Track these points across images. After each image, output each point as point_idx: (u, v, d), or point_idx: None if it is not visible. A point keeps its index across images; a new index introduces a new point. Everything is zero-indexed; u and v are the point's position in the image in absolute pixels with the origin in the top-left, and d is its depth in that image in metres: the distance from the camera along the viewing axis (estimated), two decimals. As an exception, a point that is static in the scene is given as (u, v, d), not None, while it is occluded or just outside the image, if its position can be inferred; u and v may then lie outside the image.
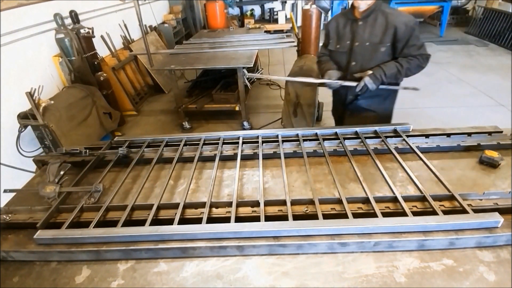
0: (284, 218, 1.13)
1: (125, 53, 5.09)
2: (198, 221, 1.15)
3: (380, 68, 1.83)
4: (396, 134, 1.68)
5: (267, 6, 9.81)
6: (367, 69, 1.91)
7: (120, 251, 1.09)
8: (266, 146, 1.66)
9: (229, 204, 1.22)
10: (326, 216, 1.13)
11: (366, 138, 1.62)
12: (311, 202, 1.20)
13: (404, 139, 1.59)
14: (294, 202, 1.21)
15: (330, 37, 2.02)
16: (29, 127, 3.13)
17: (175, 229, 1.11)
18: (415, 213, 1.11)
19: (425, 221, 1.05)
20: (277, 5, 9.65)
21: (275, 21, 9.23)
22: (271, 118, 4.29)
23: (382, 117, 2.18)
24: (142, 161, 1.63)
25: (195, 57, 4.18)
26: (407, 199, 1.18)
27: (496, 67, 5.73)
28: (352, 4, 1.89)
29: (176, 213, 1.18)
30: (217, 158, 1.54)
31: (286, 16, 9.11)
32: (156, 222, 1.19)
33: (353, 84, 1.91)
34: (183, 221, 1.18)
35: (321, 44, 2.22)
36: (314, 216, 1.13)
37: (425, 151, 1.52)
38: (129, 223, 1.18)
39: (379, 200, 1.19)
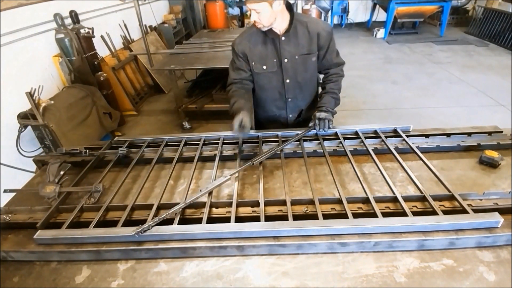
0: (284, 218, 1.13)
1: (125, 53, 5.09)
2: (198, 221, 1.15)
3: (323, 106, 1.72)
4: (396, 134, 1.68)
5: (267, 6, 9.81)
6: (303, 83, 1.83)
7: (120, 251, 1.09)
8: (266, 146, 1.65)
9: (229, 204, 1.22)
10: (326, 216, 1.13)
11: (366, 138, 1.62)
12: (311, 202, 1.20)
13: (404, 139, 1.59)
14: (294, 202, 1.21)
15: (251, 59, 1.74)
16: (29, 127, 3.12)
17: (175, 229, 1.11)
18: (415, 213, 1.11)
19: (425, 221, 1.05)
20: (277, 5, 9.66)
21: (275, 21, 9.23)
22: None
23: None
24: (142, 161, 1.63)
25: (195, 57, 4.18)
26: (407, 199, 1.18)
27: (496, 67, 5.73)
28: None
29: (176, 213, 1.18)
30: (217, 158, 1.54)
31: (286, 16, 9.11)
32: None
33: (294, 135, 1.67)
34: (183, 221, 1.18)
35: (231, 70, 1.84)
36: (314, 216, 1.13)
37: (425, 151, 1.52)
38: (129, 223, 1.18)
39: (379, 200, 1.19)
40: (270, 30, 1.66)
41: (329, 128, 1.68)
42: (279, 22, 1.64)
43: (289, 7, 1.66)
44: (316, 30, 1.68)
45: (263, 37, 1.71)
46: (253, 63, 1.75)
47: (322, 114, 1.66)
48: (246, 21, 9.15)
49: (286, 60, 1.72)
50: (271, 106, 1.92)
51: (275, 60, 1.73)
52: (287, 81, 1.79)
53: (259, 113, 2.03)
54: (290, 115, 1.94)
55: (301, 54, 1.71)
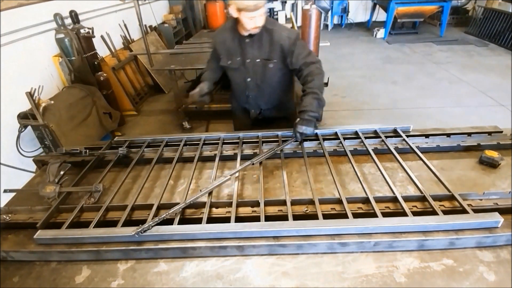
0: (284, 218, 1.13)
1: (125, 53, 5.09)
2: (198, 221, 1.15)
3: (305, 111, 1.61)
4: (396, 134, 1.68)
5: (267, 6, 9.80)
6: (263, 86, 1.89)
7: (120, 251, 1.09)
8: (266, 146, 1.65)
9: (229, 204, 1.23)
10: (326, 216, 1.13)
11: (366, 138, 1.62)
12: (311, 202, 1.20)
13: (404, 139, 1.59)
14: (294, 202, 1.21)
15: (219, 52, 1.91)
16: (29, 127, 3.12)
17: (175, 229, 1.12)
18: (415, 213, 1.11)
19: (425, 221, 1.05)
20: (277, 5, 9.65)
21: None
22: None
23: (290, 118, 2.12)
24: (142, 161, 1.63)
25: (195, 57, 4.17)
26: (407, 199, 1.18)
27: (496, 67, 5.72)
28: (238, 21, 1.72)
29: (176, 213, 1.18)
30: (217, 158, 1.54)
31: (286, 16, 9.11)
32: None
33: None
34: (183, 221, 1.18)
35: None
36: (314, 216, 1.13)
37: (425, 151, 1.52)
38: (129, 223, 1.18)
39: (379, 200, 1.19)
40: (238, 28, 1.76)
41: (306, 136, 1.59)
42: None
43: None
44: (279, 41, 1.74)
45: (232, 35, 1.82)
46: (221, 56, 1.91)
47: (302, 128, 1.54)
48: (246, 21, 9.12)
49: (248, 60, 1.83)
50: (238, 96, 2.09)
51: (238, 58, 1.85)
52: (248, 79, 1.91)
53: (233, 99, 2.21)
54: (252, 110, 2.09)
55: (262, 58, 1.80)
